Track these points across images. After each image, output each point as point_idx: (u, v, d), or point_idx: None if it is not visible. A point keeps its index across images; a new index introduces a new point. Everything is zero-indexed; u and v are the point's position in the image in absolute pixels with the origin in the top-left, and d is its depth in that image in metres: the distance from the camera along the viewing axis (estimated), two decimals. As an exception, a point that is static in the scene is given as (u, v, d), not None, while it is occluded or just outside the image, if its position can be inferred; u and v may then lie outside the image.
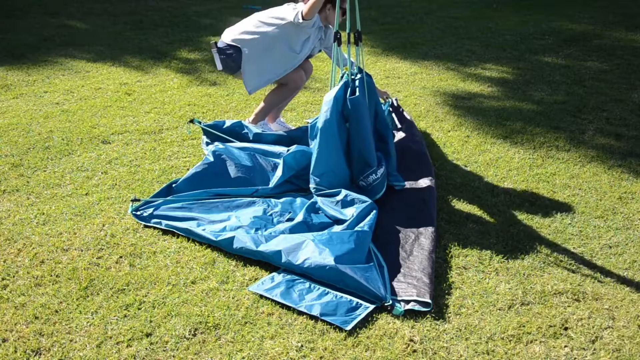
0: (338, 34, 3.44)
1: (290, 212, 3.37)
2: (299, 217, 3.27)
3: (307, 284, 2.81)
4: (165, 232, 3.23)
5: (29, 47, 6.74)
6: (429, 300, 2.68)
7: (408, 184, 3.68)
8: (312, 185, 3.49)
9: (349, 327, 2.55)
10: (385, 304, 2.67)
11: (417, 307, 2.66)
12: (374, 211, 3.27)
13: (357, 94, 3.43)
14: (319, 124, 3.46)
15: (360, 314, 2.63)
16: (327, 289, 2.78)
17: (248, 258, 3.01)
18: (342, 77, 3.53)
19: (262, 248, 2.98)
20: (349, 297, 2.73)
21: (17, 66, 6.07)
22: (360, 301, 2.70)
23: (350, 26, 3.42)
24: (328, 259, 2.84)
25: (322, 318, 2.60)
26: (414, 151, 4.10)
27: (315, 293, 2.76)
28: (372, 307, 2.67)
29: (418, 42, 7.31)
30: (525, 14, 8.93)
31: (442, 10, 9.22)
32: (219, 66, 4.18)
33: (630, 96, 5.46)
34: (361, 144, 3.44)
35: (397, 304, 2.67)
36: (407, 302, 2.70)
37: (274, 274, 2.89)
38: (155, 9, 9.10)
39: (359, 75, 3.50)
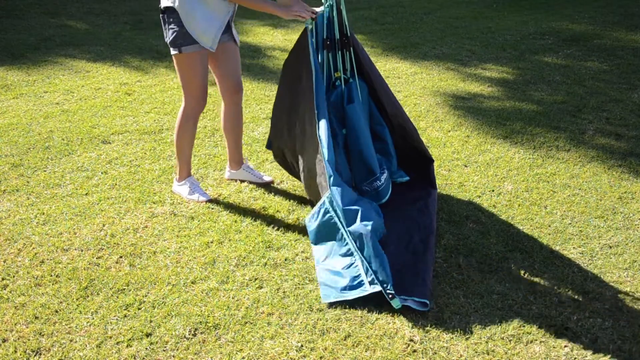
0: (327, 40, 3.40)
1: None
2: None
3: (340, 232, 2.95)
4: (165, 232, 3.23)
5: (29, 47, 6.73)
6: (428, 301, 2.69)
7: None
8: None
9: (326, 301, 2.68)
10: (387, 291, 2.67)
11: (417, 307, 2.66)
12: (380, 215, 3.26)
13: (354, 101, 3.41)
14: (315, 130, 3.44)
15: (348, 297, 2.71)
16: (352, 250, 2.89)
17: (248, 258, 3.01)
18: (334, 82, 3.49)
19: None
20: (359, 272, 2.80)
21: (17, 66, 6.07)
22: (363, 280, 2.76)
23: (339, 31, 3.36)
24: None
25: (319, 282, 2.80)
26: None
27: (343, 248, 2.92)
28: (367, 292, 2.71)
29: (418, 42, 7.31)
30: (525, 14, 8.92)
31: (442, 10, 9.21)
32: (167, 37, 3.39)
33: (630, 96, 5.45)
34: (363, 151, 3.41)
35: (397, 297, 2.67)
36: (406, 300, 2.70)
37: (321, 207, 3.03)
38: (155, 9, 9.09)
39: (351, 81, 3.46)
